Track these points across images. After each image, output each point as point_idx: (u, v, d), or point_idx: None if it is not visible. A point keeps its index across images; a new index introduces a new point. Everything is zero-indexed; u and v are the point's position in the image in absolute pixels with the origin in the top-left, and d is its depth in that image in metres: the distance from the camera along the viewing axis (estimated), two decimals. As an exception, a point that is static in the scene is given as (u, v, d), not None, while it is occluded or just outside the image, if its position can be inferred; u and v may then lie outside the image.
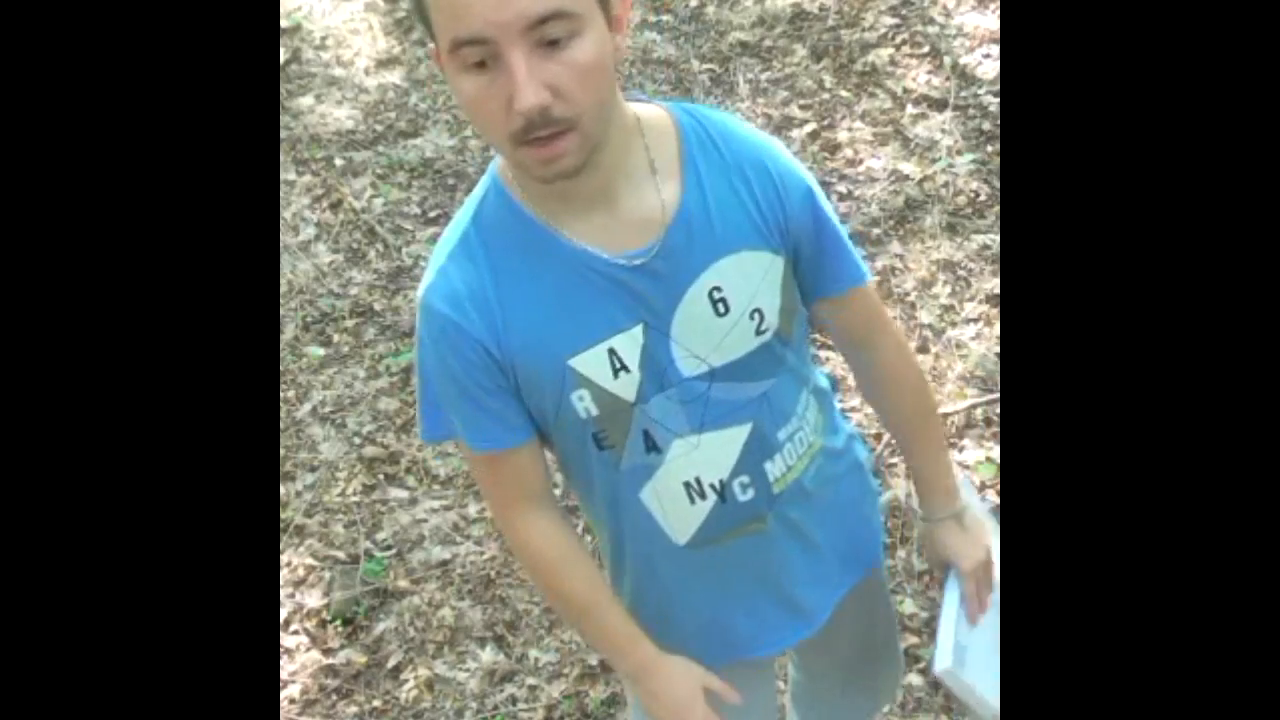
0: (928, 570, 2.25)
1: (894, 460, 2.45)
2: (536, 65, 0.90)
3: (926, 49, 3.64)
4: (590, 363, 1.08)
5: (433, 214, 3.48)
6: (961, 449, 2.48)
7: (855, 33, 3.77)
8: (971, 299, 2.83)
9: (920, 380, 1.30)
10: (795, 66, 3.70)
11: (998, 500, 2.34)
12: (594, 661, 2.23)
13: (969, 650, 1.23)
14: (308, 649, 2.37)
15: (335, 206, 3.57)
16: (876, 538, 1.38)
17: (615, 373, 1.09)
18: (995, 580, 1.30)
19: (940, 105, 3.42)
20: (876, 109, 3.47)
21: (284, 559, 2.54)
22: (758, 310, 1.11)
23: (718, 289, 1.09)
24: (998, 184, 3.11)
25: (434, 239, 3.33)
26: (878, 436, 2.45)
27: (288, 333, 3.15)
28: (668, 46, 3.91)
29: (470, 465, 1.21)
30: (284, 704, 2.27)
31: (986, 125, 3.32)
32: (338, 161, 3.74)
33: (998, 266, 2.87)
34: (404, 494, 2.66)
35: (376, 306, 3.18)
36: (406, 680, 2.28)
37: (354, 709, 2.25)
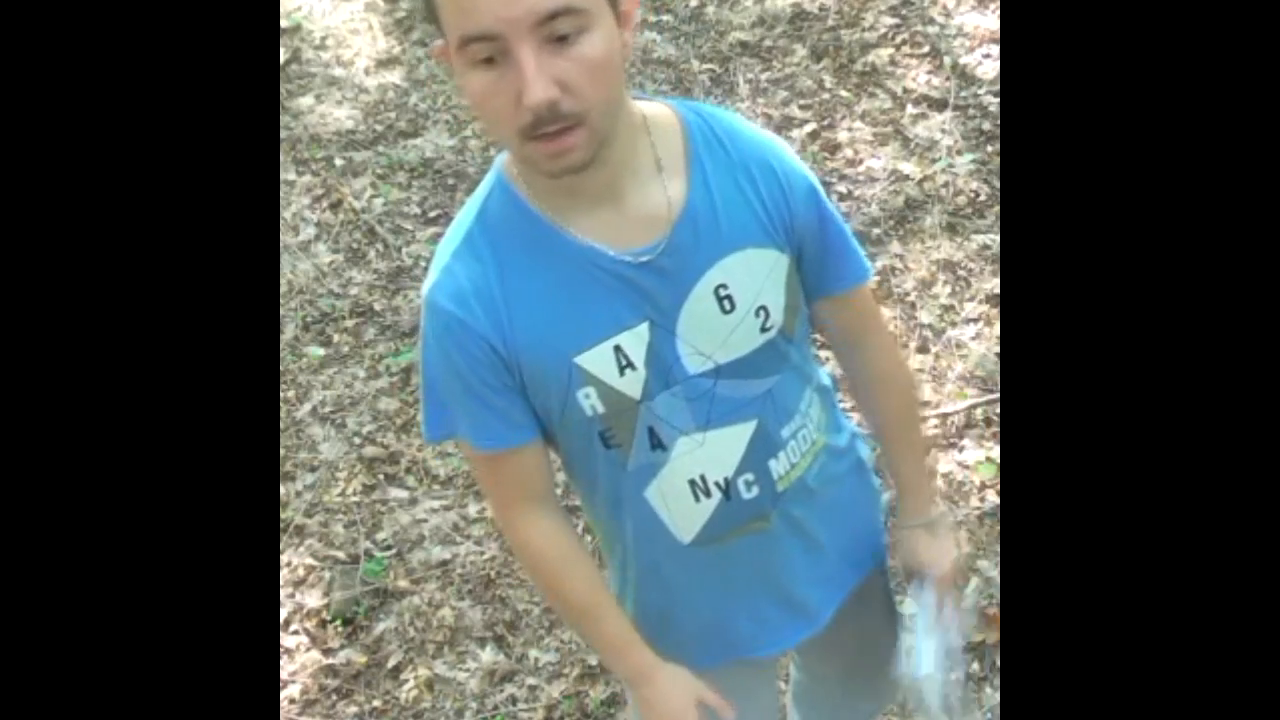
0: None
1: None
2: (545, 61, 0.90)
3: (926, 49, 3.64)
4: (596, 360, 1.08)
5: (433, 214, 3.48)
6: (961, 449, 2.48)
7: (855, 33, 3.77)
8: (971, 299, 2.83)
9: (910, 382, 1.31)
10: (795, 66, 3.70)
11: (998, 500, 2.34)
12: (594, 661, 2.23)
13: (923, 657, 1.27)
14: (308, 649, 2.37)
15: (335, 206, 3.57)
16: (879, 537, 1.38)
17: (621, 370, 1.09)
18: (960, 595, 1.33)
19: (940, 105, 3.42)
20: (876, 109, 3.46)
21: (284, 559, 2.54)
22: (763, 308, 1.11)
23: (723, 286, 1.09)
24: (998, 184, 3.11)
25: (434, 239, 3.33)
26: (878, 436, 2.45)
27: (288, 333, 3.15)
28: (668, 46, 3.91)
29: (473, 464, 1.21)
30: (284, 704, 2.27)
31: (986, 125, 3.31)
32: (338, 161, 3.74)
33: (998, 266, 2.87)
34: (404, 494, 2.66)
35: (376, 306, 3.18)
36: (406, 680, 2.28)
37: (354, 709, 2.25)
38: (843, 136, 3.40)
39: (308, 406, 2.93)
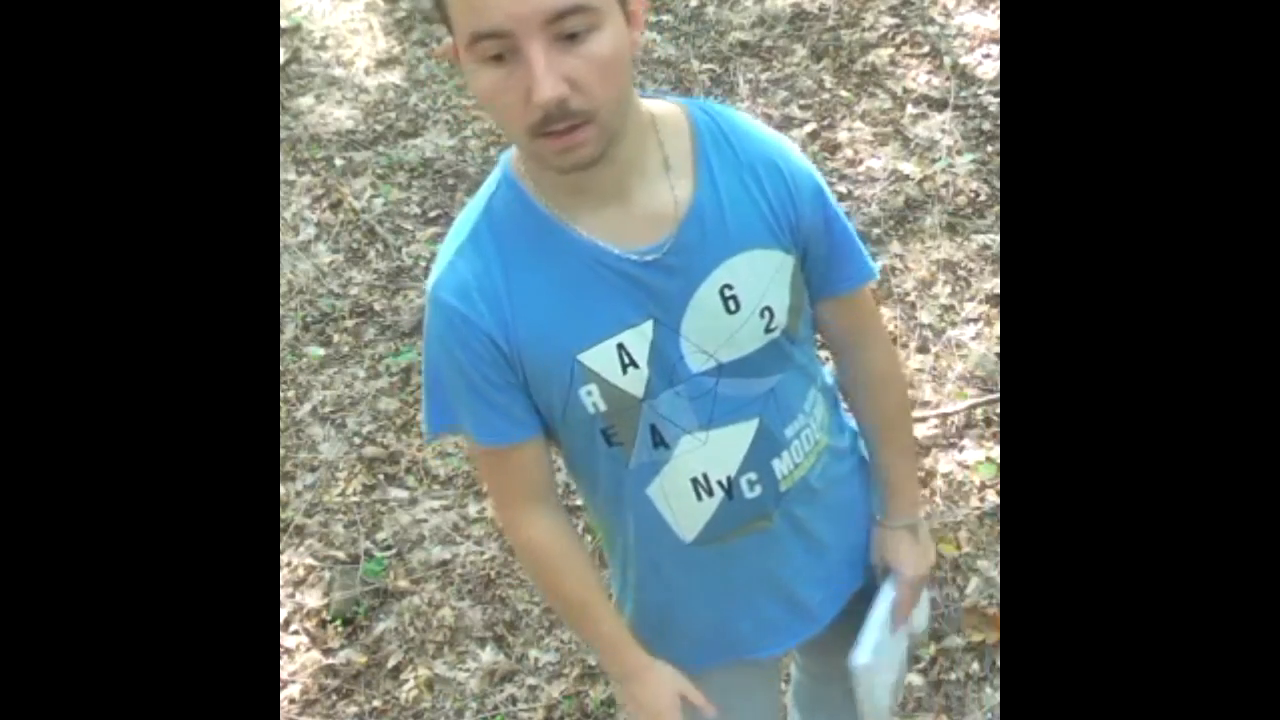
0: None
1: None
2: (555, 58, 0.90)
3: (926, 49, 3.64)
4: (599, 358, 1.08)
5: (433, 214, 3.48)
6: (961, 449, 2.48)
7: (855, 33, 3.77)
8: (971, 299, 2.83)
9: (904, 384, 1.32)
10: (795, 66, 3.70)
11: (998, 500, 2.34)
12: (594, 662, 2.23)
13: (881, 655, 1.28)
14: (308, 649, 2.37)
15: (335, 206, 3.57)
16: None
17: (624, 368, 1.09)
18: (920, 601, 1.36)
19: (940, 105, 3.42)
20: (876, 109, 3.47)
21: (284, 559, 2.54)
22: (768, 309, 1.11)
23: (729, 287, 1.09)
24: (998, 184, 3.11)
25: (434, 239, 3.33)
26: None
27: (288, 333, 3.15)
28: (668, 46, 3.91)
29: (474, 459, 1.21)
30: (284, 704, 2.27)
31: (986, 125, 3.32)
32: (338, 161, 3.75)
33: (998, 266, 2.87)
34: (404, 494, 2.66)
35: (376, 306, 3.18)
36: (406, 680, 2.28)
37: (354, 709, 2.25)
38: (843, 136, 3.40)
39: (308, 406, 2.93)
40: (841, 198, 3.17)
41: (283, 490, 2.70)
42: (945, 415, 2.55)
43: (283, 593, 2.47)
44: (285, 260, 3.37)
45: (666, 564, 1.22)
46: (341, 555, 2.54)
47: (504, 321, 1.07)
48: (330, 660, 2.34)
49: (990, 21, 3.68)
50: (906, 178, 3.21)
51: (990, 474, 2.41)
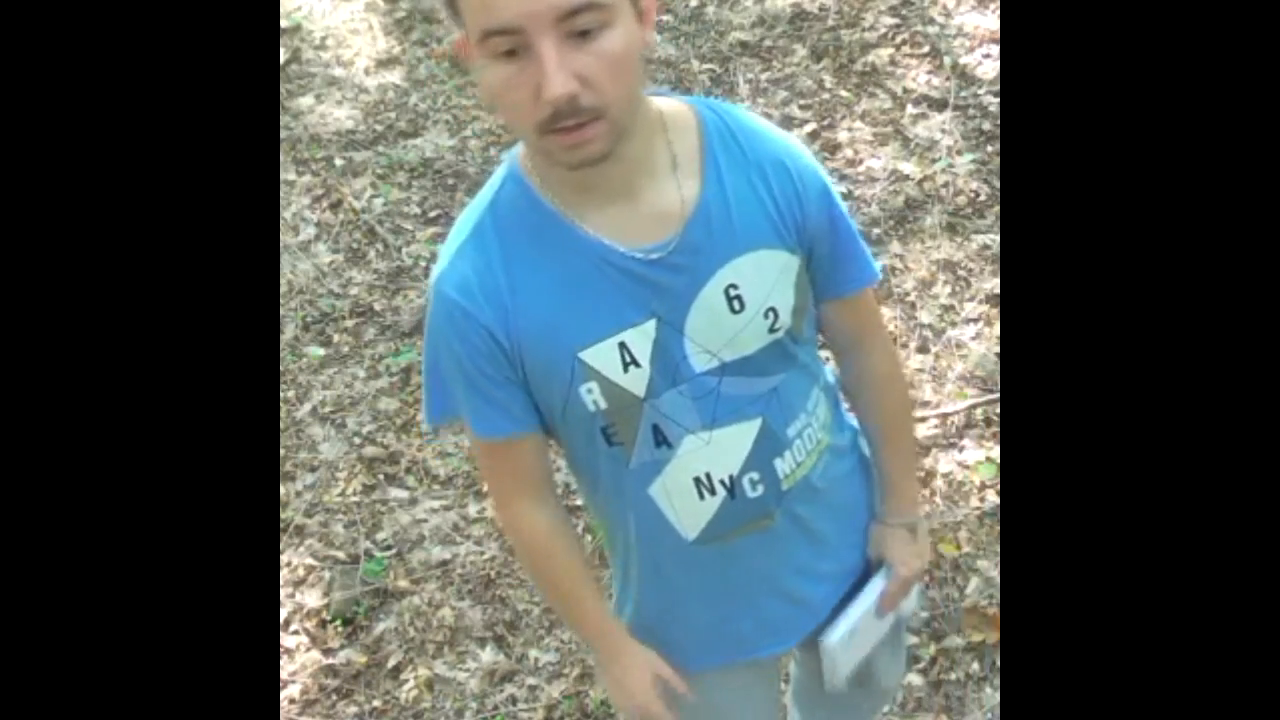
0: (929, 569, 2.24)
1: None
2: (566, 55, 0.91)
3: (926, 49, 3.64)
4: (600, 356, 1.08)
5: (433, 214, 3.48)
6: (961, 449, 2.48)
7: (855, 33, 3.77)
8: (971, 299, 2.83)
9: (904, 383, 1.33)
10: (795, 66, 3.70)
11: (998, 500, 2.34)
12: (593, 661, 2.23)
13: (855, 636, 1.31)
14: (308, 649, 2.37)
15: (335, 206, 3.57)
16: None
17: (625, 367, 1.09)
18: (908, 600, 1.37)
19: (940, 105, 3.42)
20: (876, 109, 3.47)
21: (284, 559, 2.54)
22: (772, 309, 1.11)
23: (734, 286, 1.09)
24: (998, 184, 3.11)
25: (434, 239, 3.33)
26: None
27: (288, 333, 3.15)
28: (668, 46, 3.91)
29: (473, 451, 1.22)
30: (284, 704, 2.27)
31: (986, 125, 3.32)
32: (338, 161, 3.74)
33: (998, 266, 2.87)
34: (404, 494, 2.66)
35: (376, 306, 3.18)
36: (406, 680, 2.28)
37: (354, 709, 2.25)
38: (843, 136, 3.40)
39: (308, 406, 2.93)
40: (841, 198, 3.17)
41: (283, 490, 2.70)
42: (945, 415, 2.55)
43: (283, 593, 2.47)
44: (285, 260, 3.37)
45: (668, 563, 1.23)
46: (341, 555, 2.54)
47: (505, 317, 1.07)
48: (330, 660, 2.34)
49: (990, 21, 3.68)
50: (906, 178, 3.21)
51: (990, 474, 2.41)
